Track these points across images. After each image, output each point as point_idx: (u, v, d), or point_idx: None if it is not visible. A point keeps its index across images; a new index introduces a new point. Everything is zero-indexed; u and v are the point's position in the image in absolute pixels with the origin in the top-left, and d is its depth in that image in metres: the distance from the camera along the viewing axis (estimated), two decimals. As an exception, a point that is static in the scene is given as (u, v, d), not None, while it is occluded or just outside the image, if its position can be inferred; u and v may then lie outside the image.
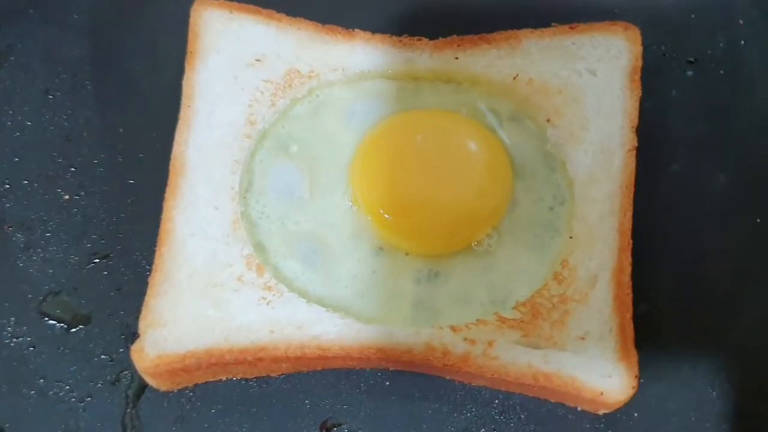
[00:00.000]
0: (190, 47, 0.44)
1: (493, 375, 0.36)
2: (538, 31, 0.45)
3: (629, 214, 0.40)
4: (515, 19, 0.46)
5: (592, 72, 0.43)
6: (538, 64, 0.44)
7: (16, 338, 0.40)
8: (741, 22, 0.48)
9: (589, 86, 0.43)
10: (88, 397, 0.39)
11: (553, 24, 0.45)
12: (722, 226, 0.42)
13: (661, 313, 0.40)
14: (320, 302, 0.38)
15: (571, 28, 0.45)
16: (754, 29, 0.48)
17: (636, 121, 0.42)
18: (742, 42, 0.47)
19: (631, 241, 0.39)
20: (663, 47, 0.47)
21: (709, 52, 0.47)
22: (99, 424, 0.38)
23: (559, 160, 0.42)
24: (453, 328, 0.37)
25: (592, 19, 0.45)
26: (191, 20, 0.45)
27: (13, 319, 0.41)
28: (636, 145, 0.41)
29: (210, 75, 0.43)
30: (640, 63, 0.44)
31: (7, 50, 0.47)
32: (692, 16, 0.48)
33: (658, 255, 0.41)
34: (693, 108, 0.45)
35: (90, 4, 0.48)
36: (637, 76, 0.43)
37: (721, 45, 0.47)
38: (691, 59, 0.47)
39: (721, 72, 0.47)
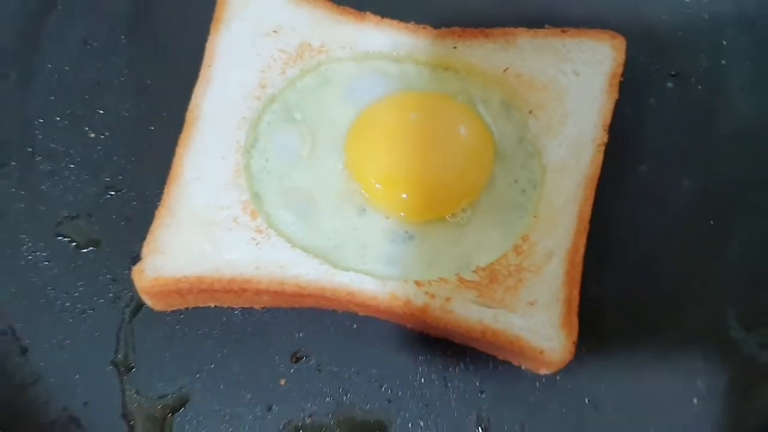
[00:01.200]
0: (216, 14, 0.51)
1: (447, 326, 0.42)
2: (532, 31, 0.51)
3: (590, 202, 0.45)
4: (513, 17, 0.52)
5: (576, 73, 0.49)
6: (529, 60, 0.50)
7: (33, 253, 0.46)
8: (724, 43, 0.53)
9: (572, 86, 0.49)
10: (90, 310, 0.45)
11: (546, 26, 0.51)
12: (678, 225, 0.47)
13: (609, 295, 0.45)
14: (303, 248, 0.44)
15: (563, 31, 0.51)
16: (737, 52, 0.53)
17: (609, 120, 0.48)
18: (723, 62, 0.52)
19: (588, 227, 0.45)
20: (648, 59, 0.53)
21: (691, 68, 0.52)
22: (97, 334, 0.44)
23: (537, 149, 0.48)
24: (417, 283, 0.43)
25: (586, 26, 0.51)
26: (221, -10, 0.51)
27: (32, 236, 0.47)
28: (606, 141, 0.47)
29: (231, 40, 0.50)
30: (620, 70, 0.49)
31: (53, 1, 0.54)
32: (680, 33, 0.54)
33: (613, 244, 0.46)
34: (668, 117, 0.51)
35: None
36: (616, 81, 0.49)
37: (703, 63, 0.53)
38: (673, 72, 0.52)
39: (700, 87, 0.52)
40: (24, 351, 0.44)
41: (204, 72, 0.49)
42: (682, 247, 0.47)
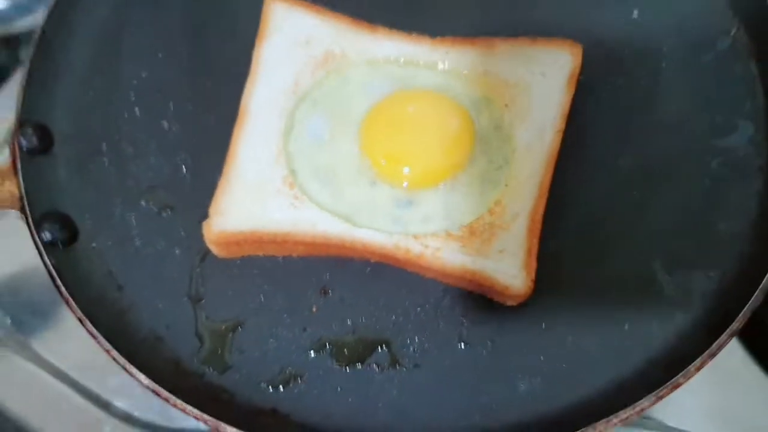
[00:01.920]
0: (260, 28, 0.64)
1: (437, 269, 0.56)
2: (509, 40, 0.64)
3: (549, 175, 0.59)
4: (495, 29, 0.65)
5: (542, 74, 0.62)
6: (505, 64, 0.63)
7: (124, 215, 0.61)
8: (664, 49, 0.66)
9: (538, 84, 0.62)
10: (169, 257, 0.59)
11: (521, 36, 0.65)
12: (615, 194, 0.59)
13: (562, 246, 0.58)
14: (329, 211, 0.58)
15: (533, 41, 0.64)
16: (674, 56, 0.66)
17: (566, 111, 0.61)
18: (663, 64, 0.65)
19: (547, 194, 0.58)
20: (601, 62, 0.65)
21: (636, 70, 0.65)
22: (175, 274, 0.58)
23: (509, 134, 0.61)
24: (414, 236, 0.57)
25: (552, 36, 0.65)
26: (264, 8, 0.64)
27: (122, 202, 0.61)
28: (563, 128, 0.60)
29: (272, 49, 0.63)
30: (577, 71, 0.62)
31: (128, 18, 0.68)
32: (628, 40, 0.66)
33: (567, 208, 0.59)
34: (613, 109, 0.63)
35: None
36: (574, 80, 0.62)
37: (646, 65, 0.65)
38: (621, 73, 0.65)
39: (642, 84, 0.64)
40: (120, 288, 0.58)
41: (251, 75, 0.63)
42: (617, 210, 0.59)
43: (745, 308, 0.53)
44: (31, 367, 0.65)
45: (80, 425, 0.65)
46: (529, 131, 0.60)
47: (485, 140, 0.61)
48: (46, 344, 0.67)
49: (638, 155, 0.62)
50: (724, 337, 0.52)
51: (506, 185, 0.59)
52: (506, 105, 0.61)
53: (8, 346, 0.67)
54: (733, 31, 0.66)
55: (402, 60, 0.64)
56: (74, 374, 0.65)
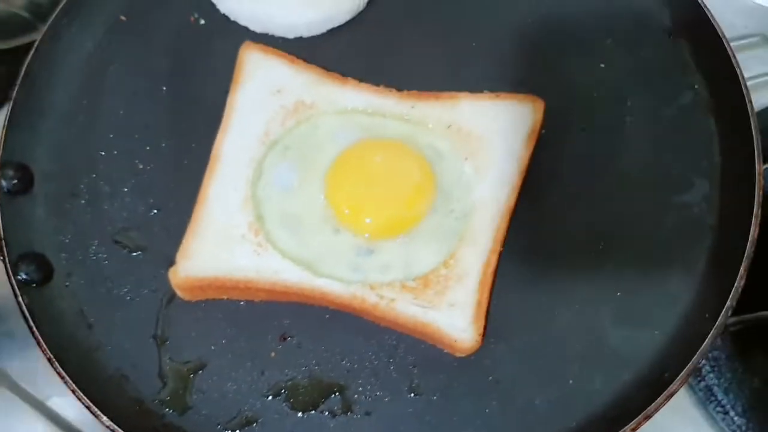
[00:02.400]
0: (235, 76, 0.67)
1: (391, 319, 0.58)
2: (473, 95, 0.66)
3: (504, 229, 0.61)
4: (460, 83, 0.67)
5: (503, 129, 0.64)
6: (468, 118, 0.65)
7: (97, 254, 0.63)
8: (629, 103, 0.68)
9: (499, 138, 0.64)
10: (137, 298, 0.61)
11: (485, 90, 0.67)
12: (570, 246, 0.62)
13: (513, 301, 0.61)
14: (291, 259, 0.61)
15: (497, 95, 0.66)
16: (639, 110, 0.68)
17: (526, 166, 0.63)
18: (627, 119, 0.67)
19: (501, 248, 0.61)
20: (566, 114, 0.67)
21: (599, 122, 0.67)
22: (142, 315, 0.60)
23: (469, 187, 0.63)
24: (371, 286, 0.59)
25: (516, 91, 0.67)
26: (239, 57, 0.67)
27: (96, 242, 0.64)
28: (520, 184, 0.63)
29: (245, 97, 0.66)
30: (539, 126, 0.64)
31: (111, 58, 0.71)
32: (594, 94, 0.69)
33: (522, 260, 0.62)
34: (574, 161, 0.65)
35: (174, 36, 0.71)
36: (535, 135, 0.64)
37: (609, 118, 0.67)
38: (583, 126, 0.67)
39: (603, 138, 0.66)
40: (89, 326, 0.60)
41: (224, 121, 0.65)
42: (570, 265, 0.61)
43: (683, 372, 0.55)
44: (8, 395, 0.68)
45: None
46: (488, 185, 0.62)
47: (446, 192, 0.63)
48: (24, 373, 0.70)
49: (595, 210, 0.64)
50: (660, 399, 0.54)
51: (461, 239, 0.61)
52: (466, 158, 0.63)
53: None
54: (696, 86, 0.67)
55: (370, 110, 0.66)
56: (51, 404, 0.68)
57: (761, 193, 0.60)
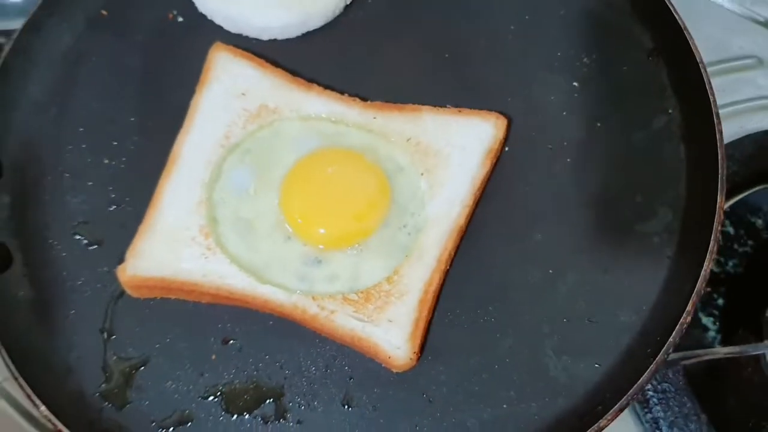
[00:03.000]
0: (202, 76, 0.68)
1: (329, 331, 0.59)
2: (435, 109, 0.65)
3: (452, 248, 0.61)
4: (427, 95, 0.67)
5: (461, 146, 0.64)
6: (429, 132, 0.65)
7: (55, 246, 0.65)
8: (599, 124, 0.67)
9: (456, 156, 0.63)
10: (89, 291, 0.63)
11: (448, 105, 0.66)
12: (521, 273, 0.62)
13: (456, 321, 0.61)
14: (238, 264, 0.61)
15: (459, 110, 0.65)
16: (608, 131, 0.66)
17: (480, 185, 0.63)
18: (594, 139, 0.66)
19: (447, 267, 0.61)
20: (533, 133, 0.66)
21: (567, 142, 0.66)
22: (93, 309, 0.62)
23: (423, 202, 0.63)
24: (313, 297, 0.60)
25: (484, 108, 0.66)
26: (208, 57, 0.68)
27: (55, 233, 0.65)
28: (477, 200, 0.62)
29: (209, 98, 0.67)
30: (498, 144, 0.64)
31: (88, 52, 0.72)
32: (563, 113, 0.68)
33: (470, 280, 0.62)
34: (538, 183, 0.65)
35: (152, 32, 0.73)
36: (493, 154, 0.63)
37: (576, 138, 0.66)
38: (550, 146, 0.66)
39: (568, 160, 0.65)
40: (40, 316, 0.61)
41: (186, 121, 0.66)
42: (518, 288, 0.61)
43: (615, 407, 0.54)
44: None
45: None
46: (439, 203, 0.62)
47: (401, 207, 0.63)
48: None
49: (551, 233, 0.63)
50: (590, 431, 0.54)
51: (408, 255, 0.61)
52: (422, 174, 0.63)
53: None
54: (670, 110, 0.66)
55: (333, 118, 0.66)
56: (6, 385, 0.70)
57: (719, 229, 0.59)
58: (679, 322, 0.56)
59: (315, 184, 0.63)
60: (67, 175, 0.67)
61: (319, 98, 0.66)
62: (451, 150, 0.63)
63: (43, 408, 0.57)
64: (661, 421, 0.62)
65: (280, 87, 0.67)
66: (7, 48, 0.69)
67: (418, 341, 0.58)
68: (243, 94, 0.66)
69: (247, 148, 0.65)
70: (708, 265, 0.58)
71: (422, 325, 0.58)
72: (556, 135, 0.66)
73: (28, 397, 0.58)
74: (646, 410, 0.63)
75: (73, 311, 0.63)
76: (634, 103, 0.67)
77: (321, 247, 0.62)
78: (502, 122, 0.64)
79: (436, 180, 0.63)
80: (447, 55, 0.70)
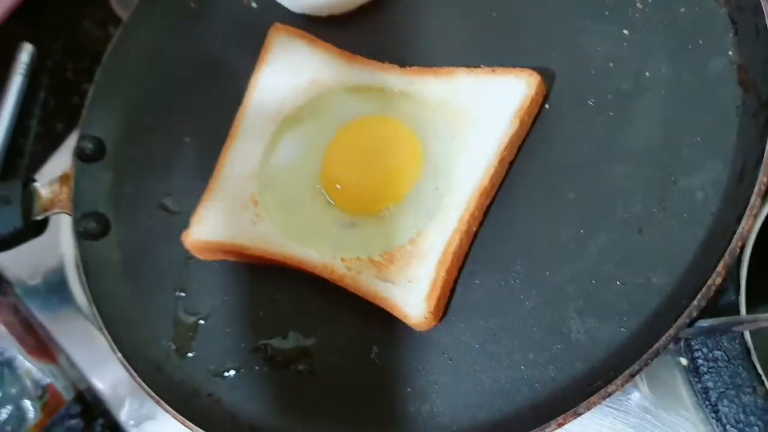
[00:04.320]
0: (261, 55, 0.73)
1: (355, 290, 0.61)
2: (469, 70, 0.65)
3: (479, 210, 0.60)
4: (468, 57, 0.66)
5: (491, 105, 0.63)
6: (462, 94, 0.64)
7: (143, 218, 0.74)
8: (647, 74, 0.62)
9: (484, 115, 0.62)
10: (168, 254, 0.70)
11: (482, 65, 0.65)
12: (555, 232, 0.59)
13: (483, 281, 0.60)
14: (281, 229, 0.66)
15: (492, 70, 0.64)
16: (655, 82, 0.61)
17: (509, 144, 0.61)
18: (641, 91, 0.61)
19: (470, 229, 0.60)
20: (577, 88, 0.63)
21: (611, 95, 0.62)
22: (170, 270, 0.70)
23: (454, 164, 0.63)
24: (342, 259, 0.63)
25: (531, 63, 0.64)
26: (267, 38, 0.73)
27: (146, 205, 0.74)
28: (498, 165, 0.61)
29: (266, 75, 0.71)
30: (528, 104, 0.61)
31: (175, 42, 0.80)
32: (610, 64, 0.63)
33: (500, 239, 0.61)
34: (576, 139, 0.62)
35: (230, 20, 0.79)
36: (523, 112, 0.61)
37: (622, 91, 0.62)
38: (592, 101, 0.63)
39: (611, 114, 0.62)
40: (127, 277, 0.70)
41: (246, 98, 0.71)
42: (548, 247, 0.59)
43: (626, 372, 0.51)
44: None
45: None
46: (464, 164, 0.62)
47: (434, 170, 0.64)
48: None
49: (585, 192, 0.60)
50: (595, 398, 0.52)
51: (432, 217, 0.61)
52: (453, 136, 0.63)
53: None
54: (730, 52, 0.60)
55: (375, 86, 0.68)
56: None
57: (765, 181, 0.52)
58: (707, 284, 0.51)
59: (351, 153, 0.66)
60: (158, 154, 0.75)
61: (363, 68, 0.69)
62: (481, 110, 0.62)
63: (118, 354, 0.66)
64: (711, 391, 0.57)
65: (327, 61, 0.70)
66: (113, 39, 0.78)
67: (434, 302, 0.58)
68: (296, 69, 0.70)
69: (298, 120, 0.69)
70: (746, 224, 0.52)
71: (440, 285, 0.58)
72: (599, 88, 0.62)
73: (110, 344, 0.67)
74: (696, 379, 0.58)
75: (154, 272, 0.71)
76: (688, 47, 0.61)
77: (354, 211, 0.64)
78: (534, 79, 0.61)
79: (464, 140, 0.62)
80: (494, 14, 0.68)
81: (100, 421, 0.86)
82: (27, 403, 0.89)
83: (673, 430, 0.59)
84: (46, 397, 0.89)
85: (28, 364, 0.88)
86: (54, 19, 1.15)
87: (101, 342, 0.76)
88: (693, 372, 0.58)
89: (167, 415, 0.64)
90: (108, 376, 0.80)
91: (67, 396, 0.89)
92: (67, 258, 0.85)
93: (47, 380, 0.88)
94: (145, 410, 0.74)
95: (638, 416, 0.59)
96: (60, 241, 0.87)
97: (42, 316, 0.83)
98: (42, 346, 0.92)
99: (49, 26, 1.15)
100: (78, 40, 1.12)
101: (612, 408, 0.60)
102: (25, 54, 1.11)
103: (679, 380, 0.59)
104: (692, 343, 0.57)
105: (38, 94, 1.12)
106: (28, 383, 0.89)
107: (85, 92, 0.79)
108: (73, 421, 0.89)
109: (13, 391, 0.90)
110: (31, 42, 1.11)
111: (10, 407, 0.89)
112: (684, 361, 0.59)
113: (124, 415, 0.75)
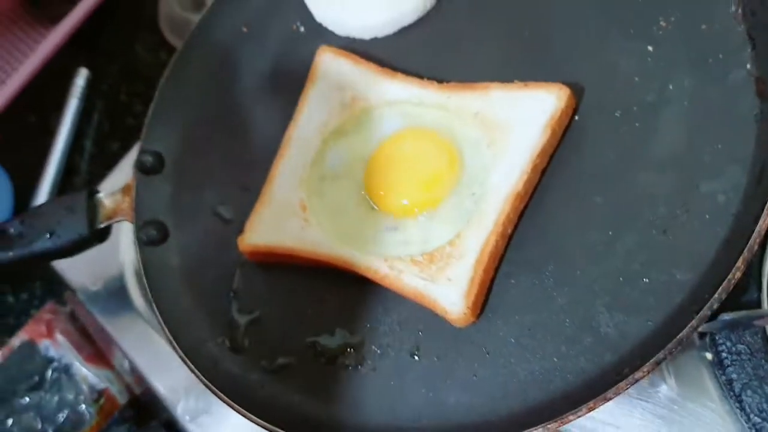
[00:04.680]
0: (310, 73, 0.79)
1: (397, 289, 0.66)
2: (503, 85, 0.69)
3: (511, 212, 0.64)
4: (502, 73, 0.71)
5: (523, 117, 0.67)
6: (495, 106, 0.69)
7: (200, 223, 0.80)
8: (671, 87, 0.66)
9: (518, 126, 0.67)
10: (225, 258, 0.75)
11: (515, 77, 0.70)
12: (583, 235, 0.63)
13: (518, 281, 0.64)
14: (327, 231, 0.71)
15: (525, 85, 0.69)
16: (678, 94, 0.66)
17: (541, 152, 0.65)
18: (664, 102, 0.66)
19: (505, 230, 0.65)
20: (603, 101, 0.67)
21: (635, 107, 0.67)
22: (225, 273, 0.76)
23: (489, 172, 0.68)
24: (384, 258, 0.67)
25: (558, 77, 0.69)
26: (315, 59, 0.79)
27: (202, 213, 0.80)
28: (540, 167, 0.65)
29: (313, 92, 0.77)
30: (560, 114, 0.66)
31: (230, 62, 0.87)
32: (635, 78, 0.68)
33: (532, 240, 0.65)
34: (603, 147, 0.66)
35: (280, 42, 0.85)
36: (555, 122, 0.66)
37: (647, 102, 0.66)
38: (618, 113, 0.67)
39: (637, 124, 0.66)
40: (186, 279, 0.77)
41: (296, 113, 0.77)
42: (578, 249, 0.63)
43: (652, 360, 0.55)
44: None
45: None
46: (500, 171, 0.66)
47: (470, 177, 0.68)
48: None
49: (611, 197, 0.64)
50: (623, 384, 0.55)
51: (469, 220, 0.66)
52: (488, 145, 0.68)
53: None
54: (748, 65, 0.64)
55: (414, 101, 0.73)
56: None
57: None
58: (727, 278, 0.55)
59: (393, 161, 0.71)
60: (213, 166, 0.81)
61: (402, 84, 0.74)
62: (514, 121, 0.67)
63: (178, 349, 0.71)
64: (735, 383, 0.60)
65: (370, 79, 0.75)
66: (171, 62, 0.85)
67: (472, 298, 0.62)
68: (340, 87, 0.76)
69: (342, 133, 0.75)
70: (764, 222, 0.56)
71: (477, 283, 0.63)
72: (625, 101, 0.66)
73: (170, 342, 0.72)
74: (720, 371, 0.61)
75: (211, 275, 0.76)
76: (709, 61, 0.65)
77: (396, 215, 0.68)
78: (564, 93, 0.66)
79: (499, 150, 0.67)
80: (526, 34, 0.73)
81: (154, 423, 0.91)
82: (83, 407, 0.94)
83: (699, 420, 0.62)
84: (101, 401, 0.94)
85: (84, 370, 0.93)
86: (108, 46, 1.22)
87: (159, 344, 0.83)
88: (717, 365, 0.61)
89: (221, 408, 0.69)
90: (165, 375, 0.85)
91: (122, 400, 0.94)
92: (126, 265, 0.91)
93: (103, 385, 0.93)
94: (201, 404, 0.79)
95: (666, 407, 0.63)
96: (120, 249, 0.93)
97: (103, 320, 0.89)
98: (98, 352, 0.98)
99: (104, 52, 1.22)
100: (131, 65, 1.20)
101: (641, 400, 0.63)
102: (81, 78, 1.18)
103: (705, 374, 0.62)
104: (717, 338, 0.61)
105: (93, 116, 1.19)
106: (85, 388, 0.94)
107: (138, 114, 0.86)
108: (127, 424, 0.95)
109: (70, 396, 0.95)
110: (87, 67, 1.19)
111: (66, 411, 0.94)
112: (709, 355, 0.62)
113: (180, 410, 0.80)
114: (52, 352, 0.95)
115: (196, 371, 0.69)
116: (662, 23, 0.68)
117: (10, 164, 1.12)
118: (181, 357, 0.71)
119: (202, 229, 0.79)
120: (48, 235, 0.79)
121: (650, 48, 0.68)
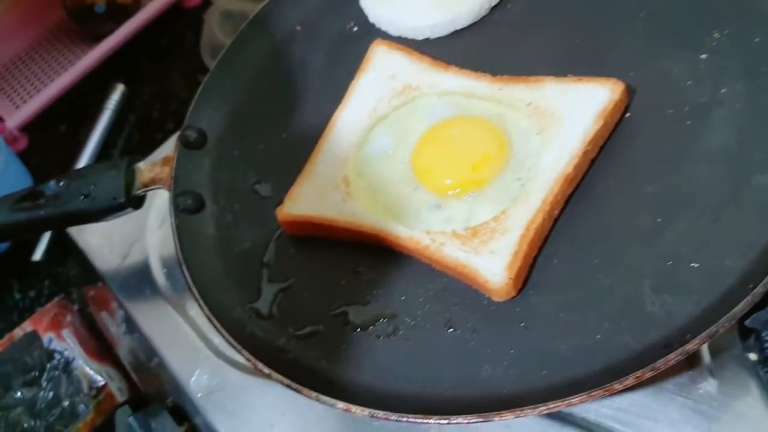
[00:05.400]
0: (363, 63, 0.80)
1: (437, 260, 0.65)
2: (557, 78, 0.71)
3: (557, 192, 0.64)
4: (547, 68, 0.73)
5: (576, 106, 0.68)
6: (549, 98, 0.70)
7: (238, 198, 0.79)
8: (723, 90, 0.67)
9: (570, 114, 0.68)
10: (259, 229, 0.75)
11: (569, 75, 0.71)
12: (631, 221, 0.63)
13: (562, 259, 0.63)
14: (369, 207, 0.70)
15: (579, 79, 0.70)
16: (731, 97, 0.67)
17: (592, 139, 0.66)
18: (716, 105, 0.67)
19: (552, 211, 0.64)
20: (656, 101, 0.68)
21: (687, 108, 0.67)
22: (257, 244, 0.75)
23: (538, 157, 0.68)
24: (427, 232, 0.67)
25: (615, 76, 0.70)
26: (369, 50, 0.80)
27: (239, 188, 0.80)
28: (582, 157, 0.66)
29: (365, 81, 0.79)
30: (612, 106, 0.66)
31: (286, 56, 0.88)
32: (688, 82, 0.69)
33: (580, 220, 0.64)
34: (654, 143, 0.67)
35: (334, 40, 0.88)
36: (607, 113, 0.66)
37: (699, 104, 0.67)
38: (671, 110, 0.68)
39: (688, 123, 0.67)
40: (220, 248, 0.75)
41: (345, 98, 0.78)
42: (625, 232, 0.62)
43: (704, 333, 0.53)
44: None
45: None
46: (550, 154, 0.66)
47: (518, 161, 0.69)
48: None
49: (663, 186, 0.64)
50: (673, 355, 0.53)
51: (516, 200, 0.65)
52: (538, 132, 0.68)
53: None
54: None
55: (465, 92, 0.74)
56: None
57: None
58: (785, 255, 0.54)
59: (442, 143, 0.71)
60: (254, 147, 0.82)
61: (455, 76, 0.75)
62: (566, 111, 0.68)
63: (205, 309, 0.69)
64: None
65: (422, 70, 0.77)
66: (223, 51, 0.87)
67: (515, 271, 0.61)
68: (392, 77, 0.77)
69: (391, 118, 0.75)
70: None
71: (521, 257, 0.62)
72: (677, 101, 0.67)
73: (199, 305, 0.70)
74: (765, 370, 0.59)
75: (245, 245, 0.75)
76: (762, 69, 0.66)
77: (441, 194, 0.68)
78: (618, 87, 0.67)
79: (549, 137, 0.67)
80: (581, 38, 0.75)
81: (155, 405, 0.87)
82: (79, 403, 0.91)
83: (740, 416, 0.59)
84: (100, 396, 0.91)
85: (85, 366, 0.90)
86: (148, 66, 1.25)
87: (178, 323, 0.81)
88: (762, 363, 0.59)
89: (236, 384, 0.67)
90: (179, 353, 0.82)
91: (120, 397, 0.91)
92: (151, 249, 0.90)
93: (102, 381, 0.90)
94: (215, 381, 0.76)
95: (707, 403, 0.60)
96: (145, 235, 0.92)
97: (123, 299, 0.87)
98: (102, 348, 0.95)
99: (143, 72, 1.25)
100: (167, 86, 1.22)
101: (681, 396, 0.61)
102: (117, 93, 1.21)
103: (748, 374, 0.60)
104: (763, 335, 0.59)
105: (124, 128, 1.20)
106: (84, 383, 0.92)
107: (169, 131, 0.87)
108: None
109: (68, 391, 0.92)
110: (124, 84, 1.22)
111: (61, 406, 0.91)
112: (753, 356, 0.60)
113: (192, 385, 0.77)
114: (55, 345, 0.92)
115: (221, 329, 0.67)
116: (716, 35, 0.70)
117: (36, 170, 1.14)
118: (207, 315, 0.69)
119: (238, 203, 0.78)
120: (82, 197, 0.78)
121: (704, 56, 0.69)
